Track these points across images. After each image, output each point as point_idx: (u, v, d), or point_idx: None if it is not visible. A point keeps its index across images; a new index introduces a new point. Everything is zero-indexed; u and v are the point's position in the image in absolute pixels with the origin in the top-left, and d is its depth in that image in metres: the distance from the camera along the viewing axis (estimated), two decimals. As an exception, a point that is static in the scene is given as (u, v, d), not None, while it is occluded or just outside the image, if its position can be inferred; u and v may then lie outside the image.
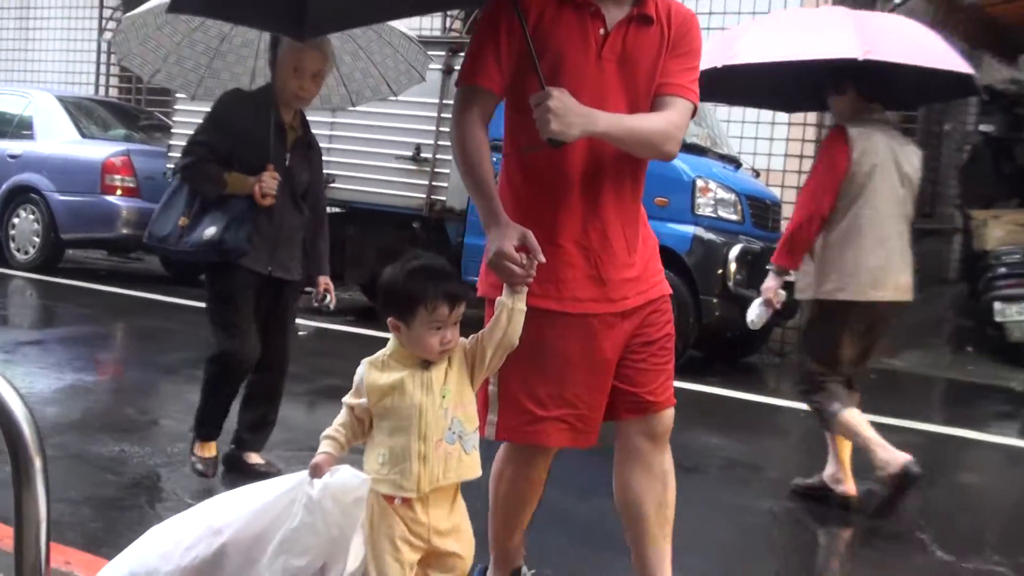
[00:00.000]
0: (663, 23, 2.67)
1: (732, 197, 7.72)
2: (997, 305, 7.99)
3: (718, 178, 7.78)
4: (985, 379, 8.04)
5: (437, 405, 2.47)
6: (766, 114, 9.47)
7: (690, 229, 7.51)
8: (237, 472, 4.14)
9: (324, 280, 4.28)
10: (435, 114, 8.22)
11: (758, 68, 4.33)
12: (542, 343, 2.63)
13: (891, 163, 4.34)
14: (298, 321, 8.40)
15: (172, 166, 4.25)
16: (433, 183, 8.23)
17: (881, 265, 4.31)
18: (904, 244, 4.42)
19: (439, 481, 2.46)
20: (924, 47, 4.26)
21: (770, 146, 9.82)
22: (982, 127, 13.22)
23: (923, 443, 5.84)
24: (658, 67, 2.66)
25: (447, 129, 8.12)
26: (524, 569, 3.02)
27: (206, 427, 4.17)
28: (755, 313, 4.45)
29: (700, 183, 7.59)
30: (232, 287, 4.06)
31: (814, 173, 4.40)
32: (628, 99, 2.64)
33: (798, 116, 9.47)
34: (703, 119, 8.72)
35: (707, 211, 7.59)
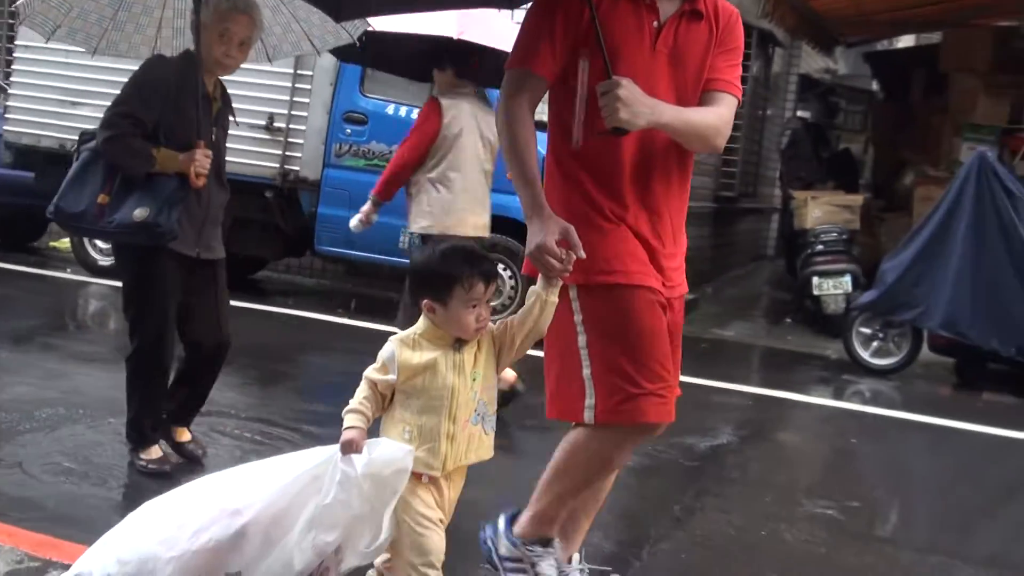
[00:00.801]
0: (711, 19, 2.72)
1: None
2: (815, 280, 8.56)
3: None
4: (803, 347, 8.69)
5: (468, 387, 2.52)
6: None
7: (539, 203, 7.82)
8: (167, 439, 4.00)
9: None
10: (289, 84, 8.25)
11: (399, 39, 5.33)
12: (618, 318, 2.62)
13: (475, 129, 5.35)
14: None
15: (81, 136, 3.85)
16: (287, 153, 8.27)
17: (463, 207, 5.30)
18: (484, 192, 5.49)
19: (461, 461, 2.53)
20: (507, 37, 4.84)
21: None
22: (800, 113, 14.05)
23: (748, 404, 6.37)
24: (706, 62, 2.70)
25: (302, 99, 8.24)
26: (576, 557, 3.01)
27: (143, 432, 3.92)
28: (353, 223, 5.48)
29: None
30: (158, 272, 3.80)
31: (412, 131, 5.35)
32: (677, 92, 2.67)
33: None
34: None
35: (555, 186, 7.92)
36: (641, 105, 2.51)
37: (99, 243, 8.85)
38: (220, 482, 2.57)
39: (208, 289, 3.98)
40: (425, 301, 2.52)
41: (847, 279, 8.50)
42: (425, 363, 2.49)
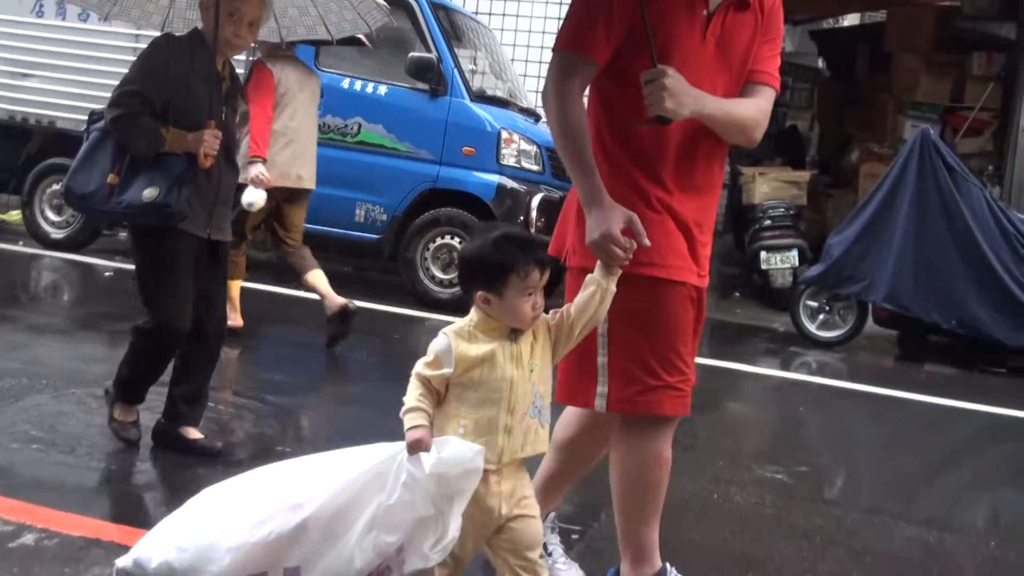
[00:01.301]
0: (757, 8, 2.69)
1: (534, 149, 8.18)
2: (763, 254, 8.72)
3: (520, 130, 8.21)
4: (752, 320, 8.88)
5: (526, 379, 2.45)
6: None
7: (495, 178, 7.92)
8: (171, 448, 3.89)
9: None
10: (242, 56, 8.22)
11: None
12: (650, 311, 2.60)
13: (297, 88, 6.03)
14: (102, 262, 8.36)
15: (90, 115, 3.77)
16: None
17: (288, 160, 5.97)
18: (312, 148, 6.22)
19: (517, 454, 2.46)
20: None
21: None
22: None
23: (699, 375, 6.50)
24: (751, 52, 2.68)
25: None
26: (551, 516, 3.00)
27: (130, 392, 3.91)
28: (252, 197, 5.71)
29: (505, 134, 8.00)
30: (172, 253, 3.74)
31: (253, 92, 5.74)
32: (724, 82, 2.65)
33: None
34: (503, 72, 9.13)
35: (511, 161, 8.01)
36: (685, 95, 2.49)
37: (51, 215, 8.79)
38: (283, 473, 2.53)
39: (213, 273, 3.92)
40: (479, 292, 2.44)
41: (794, 253, 8.67)
42: (483, 355, 2.42)
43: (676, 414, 2.70)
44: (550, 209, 7.94)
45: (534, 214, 7.84)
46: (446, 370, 2.42)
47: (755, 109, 2.69)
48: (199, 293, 3.84)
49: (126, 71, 3.79)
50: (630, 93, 2.54)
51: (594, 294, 2.49)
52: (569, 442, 2.95)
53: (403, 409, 2.42)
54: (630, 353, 2.61)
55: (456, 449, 2.34)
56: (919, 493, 4.63)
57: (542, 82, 8.38)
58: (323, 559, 2.39)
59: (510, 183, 7.93)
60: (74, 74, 8.69)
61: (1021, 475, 5.17)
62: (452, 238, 7.89)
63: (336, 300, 5.87)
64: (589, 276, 2.52)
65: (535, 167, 8.18)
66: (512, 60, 10.02)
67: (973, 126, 10.14)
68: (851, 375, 7.12)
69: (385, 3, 4.61)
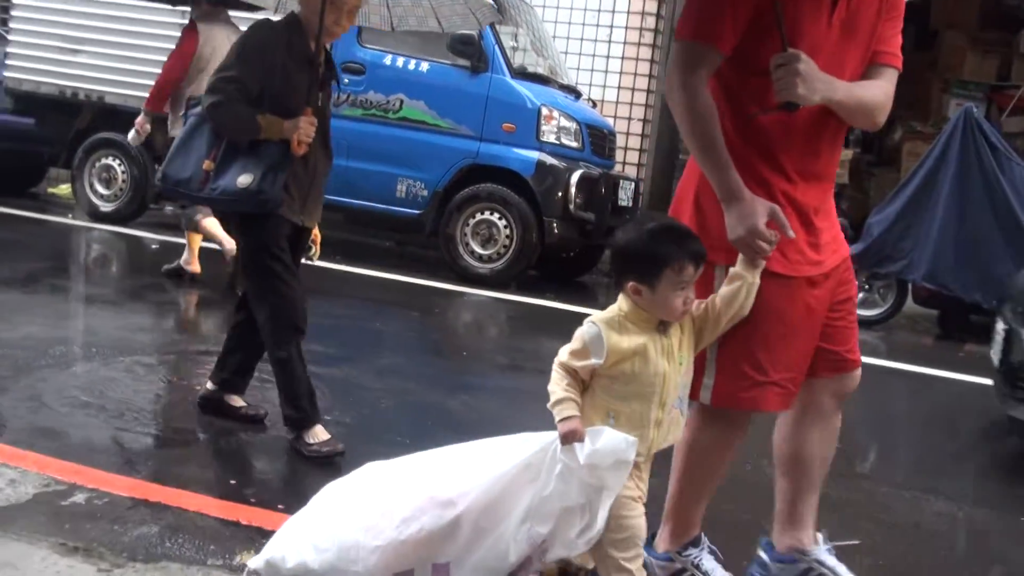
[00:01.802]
0: None
1: (573, 126, 8.22)
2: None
3: (560, 107, 8.25)
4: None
5: (676, 372, 2.43)
6: (602, 47, 9.99)
7: (535, 155, 7.98)
8: (217, 414, 3.97)
9: (314, 230, 4.01)
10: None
11: None
12: (766, 308, 2.53)
13: (225, 47, 6.04)
14: (149, 235, 8.53)
15: (188, 101, 3.77)
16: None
17: None
18: None
19: (662, 445, 2.46)
20: None
21: (605, 78, 10.37)
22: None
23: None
24: (875, 32, 2.60)
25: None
26: (820, 537, 2.88)
27: (303, 410, 3.72)
28: (130, 137, 6.68)
29: (544, 111, 8.05)
30: (274, 237, 3.69)
31: (172, 53, 6.35)
32: (851, 65, 2.58)
33: (631, 51, 10.03)
34: (544, 49, 9.16)
35: (551, 138, 8.06)
36: (818, 80, 2.42)
37: (100, 188, 8.97)
38: (421, 466, 2.49)
39: (295, 259, 3.87)
40: (631, 284, 2.40)
41: (835, 232, 8.61)
42: (635, 348, 2.37)
43: (778, 410, 2.68)
44: (589, 186, 7.99)
45: (573, 191, 7.89)
46: (594, 360, 2.37)
47: (881, 92, 2.62)
48: None
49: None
50: (753, 81, 2.50)
51: (740, 289, 2.46)
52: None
53: (552, 399, 2.38)
54: (741, 348, 2.56)
55: (610, 440, 2.31)
56: (951, 469, 4.66)
57: (583, 60, 8.51)
58: (475, 554, 2.36)
59: (550, 159, 7.99)
60: (123, 49, 8.86)
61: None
62: (492, 214, 7.96)
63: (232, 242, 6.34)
64: (733, 271, 2.47)
65: (575, 144, 8.22)
66: (553, 37, 10.05)
67: (1020, 105, 10.01)
68: (890, 354, 7.10)
69: (494, 2, 4.67)
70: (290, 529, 2.50)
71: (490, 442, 2.47)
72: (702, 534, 2.84)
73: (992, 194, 7.18)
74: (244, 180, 3.60)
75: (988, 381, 6.22)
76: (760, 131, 2.53)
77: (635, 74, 10.40)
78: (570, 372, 2.40)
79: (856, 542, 3.18)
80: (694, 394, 2.60)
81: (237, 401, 4.02)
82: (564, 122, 8.15)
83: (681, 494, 2.78)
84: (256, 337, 3.89)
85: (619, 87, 10.43)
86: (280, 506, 3.11)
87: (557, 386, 2.40)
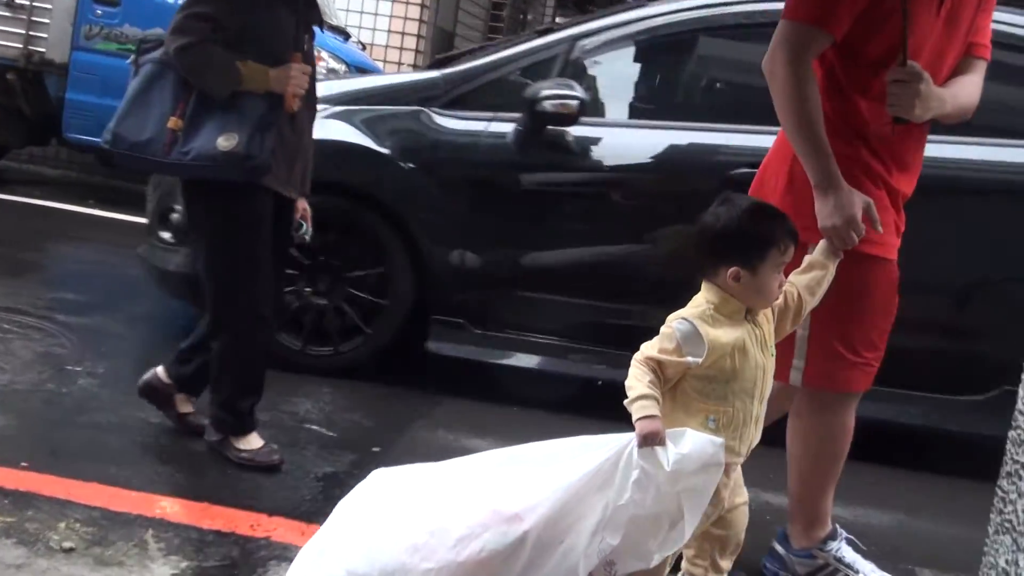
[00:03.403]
0: None
1: (342, 68, 8.05)
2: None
3: (330, 48, 8.06)
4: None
5: (771, 364, 2.30)
6: (372, -10, 9.84)
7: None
8: (159, 408, 3.43)
9: (303, 204, 3.33)
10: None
11: None
12: (860, 288, 2.53)
13: None
14: None
15: (139, 44, 3.23)
16: (30, 32, 7.75)
17: None
18: None
19: (755, 442, 2.30)
20: None
21: (375, 21, 10.22)
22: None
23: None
24: (973, 23, 2.57)
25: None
26: (839, 528, 2.82)
27: (241, 415, 3.25)
28: None
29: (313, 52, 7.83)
30: (255, 216, 3.12)
31: None
32: (950, 57, 2.55)
33: (402, -6, 9.93)
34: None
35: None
36: (932, 99, 2.42)
37: None
38: (467, 474, 2.24)
39: (280, 239, 3.29)
40: (732, 269, 2.21)
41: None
42: (734, 341, 2.20)
43: (865, 389, 2.69)
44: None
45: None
46: (691, 359, 2.17)
47: (976, 90, 2.61)
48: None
49: None
50: (858, 70, 2.48)
51: (823, 277, 2.40)
52: None
53: (632, 395, 2.15)
54: (835, 329, 2.54)
55: (696, 443, 2.10)
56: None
57: (353, 1, 8.15)
58: (541, 570, 2.14)
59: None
60: None
61: None
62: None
63: None
64: (812, 258, 2.42)
65: (343, 87, 8.06)
66: (322, -24, 9.78)
67: None
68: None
69: None
70: (313, 555, 2.22)
71: (551, 446, 2.22)
72: (837, 525, 2.81)
73: None
74: (226, 142, 2.98)
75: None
76: (861, 117, 2.50)
77: (405, 18, 10.29)
78: (653, 369, 2.18)
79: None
80: (782, 376, 2.53)
81: (186, 405, 3.44)
82: (332, 63, 7.97)
83: (808, 489, 2.74)
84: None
85: (389, 31, 10.30)
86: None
87: (639, 382, 2.16)
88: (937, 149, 3.07)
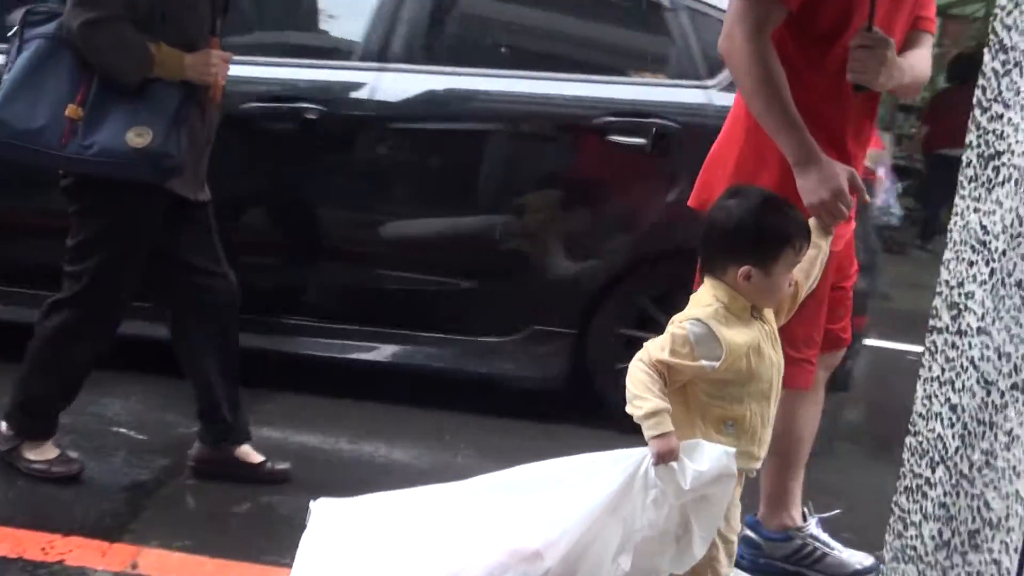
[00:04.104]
0: None
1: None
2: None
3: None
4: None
5: (781, 360, 2.18)
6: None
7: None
8: (242, 480, 3.00)
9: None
10: None
11: None
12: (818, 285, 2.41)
13: None
14: None
15: (26, 15, 2.78)
16: None
17: None
18: None
19: (768, 444, 2.19)
20: None
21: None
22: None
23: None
24: None
25: None
26: (806, 511, 2.83)
27: (45, 416, 2.92)
28: None
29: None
30: (148, 219, 2.81)
31: None
32: (899, 33, 2.50)
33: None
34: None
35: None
36: (896, 69, 2.37)
37: None
38: (459, 504, 2.09)
39: (203, 235, 2.96)
40: (744, 268, 2.08)
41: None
42: (749, 342, 2.08)
43: (806, 388, 2.62)
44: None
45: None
46: (705, 363, 2.02)
47: (928, 63, 2.60)
48: (187, 260, 2.93)
49: None
50: (808, 44, 2.41)
51: (816, 259, 2.27)
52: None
53: (643, 409, 1.98)
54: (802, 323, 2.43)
55: (711, 455, 1.98)
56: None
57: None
58: None
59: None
60: None
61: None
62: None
63: None
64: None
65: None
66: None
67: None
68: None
69: None
70: None
71: (551, 468, 2.07)
72: (805, 507, 2.82)
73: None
74: (138, 137, 2.65)
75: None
76: (817, 100, 2.42)
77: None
78: (662, 374, 2.02)
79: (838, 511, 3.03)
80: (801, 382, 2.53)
81: (255, 456, 3.05)
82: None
83: (781, 468, 2.72)
84: (212, 353, 2.99)
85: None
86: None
87: (647, 392, 1.99)
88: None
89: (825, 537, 2.81)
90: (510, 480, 2.10)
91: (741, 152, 2.50)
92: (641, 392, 2.00)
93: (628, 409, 2.02)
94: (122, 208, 2.77)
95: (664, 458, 1.97)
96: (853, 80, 2.38)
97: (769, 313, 2.19)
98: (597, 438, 2.56)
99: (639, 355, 2.05)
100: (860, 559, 2.76)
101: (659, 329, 2.08)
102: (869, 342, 4.48)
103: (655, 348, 2.04)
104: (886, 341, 5.40)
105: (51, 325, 2.85)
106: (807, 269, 2.26)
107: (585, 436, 3.47)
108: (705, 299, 2.12)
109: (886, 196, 8.80)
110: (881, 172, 8.37)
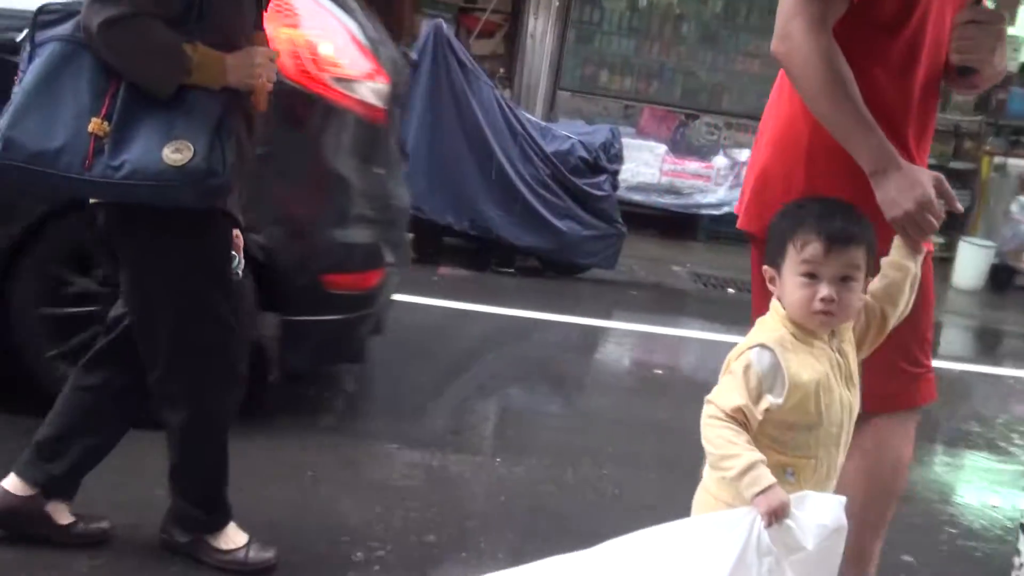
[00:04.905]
0: None
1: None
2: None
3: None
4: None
5: (857, 402, 1.92)
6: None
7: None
8: (29, 531, 2.59)
9: (236, 232, 2.60)
10: None
11: None
12: (922, 289, 2.18)
13: None
14: None
15: (37, 15, 2.29)
16: None
17: None
18: None
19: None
20: None
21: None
22: None
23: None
24: None
25: None
26: None
27: (225, 506, 2.63)
28: None
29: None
30: (219, 248, 2.46)
31: None
32: (949, 19, 2.24)
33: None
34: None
35: None
36: (1005, 46, 2.18)
37: None
38: None
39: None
40: (764, 267, 1.97)
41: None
42: (818, 376, 1.84)
43: (932, 400, 2.38)
44: None
45: None
46: (772, 400, 1.81)
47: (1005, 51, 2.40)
48: None
49: None
50: (871, 36, 2.14)
51: (904, 282, 2.02)
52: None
53: (737, 468, 1.75)
54: (891, 341, 2.12)
55: (824, 506, 1.77)
56: (428, 409, 4.31)
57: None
58: None
59: None
60: None
61: (527, 376, 5.10)
62: None
63: None
64: (887, 260, 2.04)
65: None
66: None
67: (486, 28, 10.14)
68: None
69: None
70: None
71: (659, 546, 1.81)
72: None
73: (462, 113, 7.03)
74: (176, 154, 2.22)
75: (464, 305, 6.11)
76: (880, 95, 2.15)
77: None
78: (744, 424, 1.79)
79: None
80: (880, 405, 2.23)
81: (65, 515, 2.62)
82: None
83: (870, 537, 2.37)
84: (120, 413, 2.60)
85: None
86: None
87: (733, 445, 1.77)
88: None
89: None
90: (628, 556, 1.83)
91: (808, 166, 2.22)
92: (727, 450, 1.77)
93: (716, 475, 1.80)
94: (186, 243, 2.38)
95: (777, 516, 1.74)
96: (960, 62, 2.17)
97: (849, 344, 1.95)
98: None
99: (706, 411, 1.83)
100: None
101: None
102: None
103: (725, 396, 1.81)
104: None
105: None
106: (892, 294, 2.03)
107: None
108: (771, 324, 1.91)
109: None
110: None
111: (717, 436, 1.79)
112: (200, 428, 2.53)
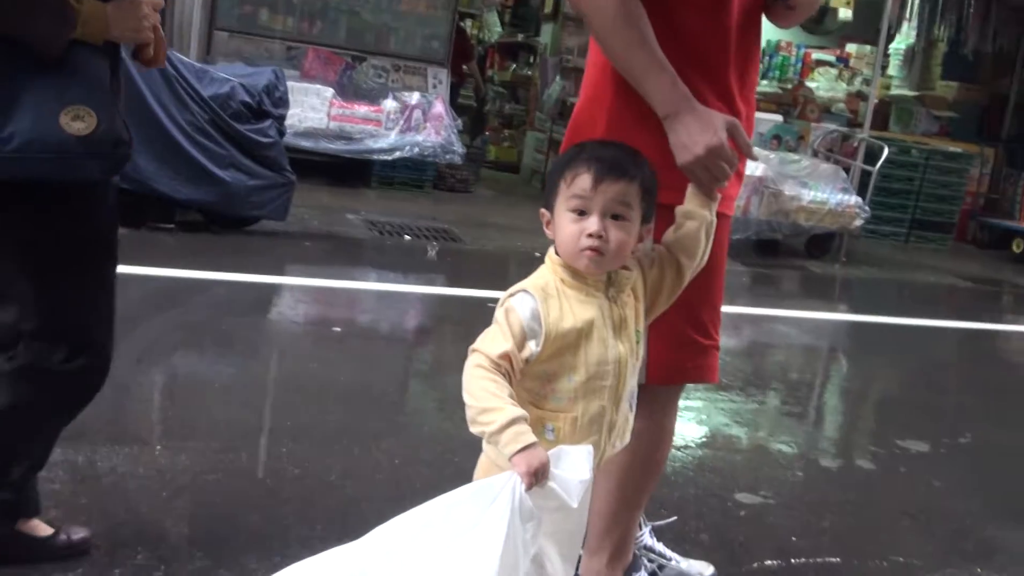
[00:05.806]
0: None
1: None
2: None
3: None
4: None
5: (634, 354, 1.83)
6: None
7: None
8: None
9: None
10: None
11: None
12: (713, 257, 2.04)
13: None
14: None
15: None
16: None
17: None
18: None
19: (607, 454, 1.85)
20: None
21: None
22: None
23: None
24: None
25: None
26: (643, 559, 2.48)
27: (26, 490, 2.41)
28: None
29: None
30: (112, 216, 2.24)
31: None
32: None
33: None
34: None
35: None
36: None
37: None
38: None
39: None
40: (541, 209, 1.87)
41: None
42: (581, 325, 1.76)
43: (716, 381, 2.31)
44: None
45: None
46: (532, 348, 1.73)
47: None
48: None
49: None
50: None
51: (699, 231, 1.93)
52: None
53: (497, 423, 1.63)
54: (680, 308, 2.03)
55: (577, 459, 1.67)
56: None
57: None
58: None
59: None
60: None
61: (192, 345, 4.63)
62: None
63: None
64: (681, 209, 1.96)
65: None
66: None
67: None
68: None
69: None
70: None
71: (427, 530, 1.62)
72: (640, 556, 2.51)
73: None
74: (78, 121, 2.00)
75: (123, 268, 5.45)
76: (693, 39, 2.06)
77: None
78: (507, 372, 1.70)
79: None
80: None
81: (42, 528, 2.44)
82: None
83: (622, 505, 2.28)
84: (46, 411, 2.38)
85: None
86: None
87: (495, 398, 1.66)
88: None
89: (660, 547, 2.60)
90: (402, 531, 1.66)
91: (610, 111, 2.12)
92: (488, 403, 1.66)
93: (474, 429, 1.68)
94: (72, 220, 2.17)
95: (537, 476, 1.63)
96: None
97: (629, 296, 1.86)
98: None
99: (471, 360, 1.72)
100: (700, 568, 2.58)
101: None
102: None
103: (489, 343, 1.72)
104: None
105: None
106: (687, 245, 1.94)
107: None
108: (542, 269, 1.85)
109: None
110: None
111: (480, 388, 1.68)
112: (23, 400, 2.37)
